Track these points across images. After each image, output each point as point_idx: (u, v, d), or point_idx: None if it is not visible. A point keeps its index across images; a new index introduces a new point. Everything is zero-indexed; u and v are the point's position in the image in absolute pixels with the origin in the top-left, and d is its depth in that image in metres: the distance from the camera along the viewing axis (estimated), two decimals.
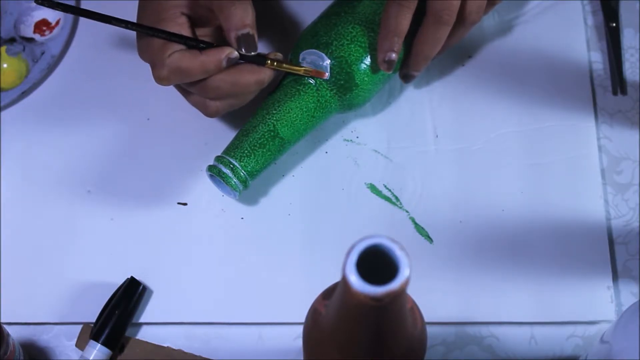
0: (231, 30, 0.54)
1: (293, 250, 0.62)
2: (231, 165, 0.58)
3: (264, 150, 0.58)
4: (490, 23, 0.69)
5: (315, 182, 0.64)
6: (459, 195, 0.63)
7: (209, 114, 0.58)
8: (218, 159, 0.59)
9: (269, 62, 0.57)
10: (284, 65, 0.58)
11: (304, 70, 0.59)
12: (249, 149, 0.58)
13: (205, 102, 0.57)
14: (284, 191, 0.64)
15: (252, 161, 0.58)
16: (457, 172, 0.64)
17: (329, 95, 0.60)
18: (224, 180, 0.58)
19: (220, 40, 0.57)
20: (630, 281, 0.61)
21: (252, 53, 0.55)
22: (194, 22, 0.57)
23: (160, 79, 0.55)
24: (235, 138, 0.59)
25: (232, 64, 0.55)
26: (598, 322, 0.60)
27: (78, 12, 0.55)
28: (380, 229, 0.62)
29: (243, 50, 0.55)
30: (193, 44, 0.55)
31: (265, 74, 0.56)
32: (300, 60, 0.60)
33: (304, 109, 0.59)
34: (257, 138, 0.58)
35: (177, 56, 0.54)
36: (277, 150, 0.59)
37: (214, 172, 0.58)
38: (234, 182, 0.58)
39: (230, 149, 0.59)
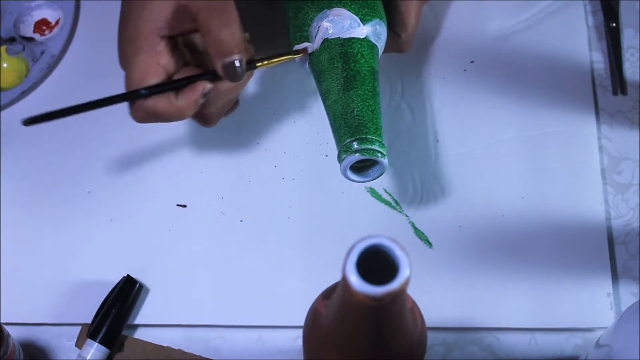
0: (217, 57, 0.52)
1: (292, 254, 0.62)
2: (372, 139, 0.54)
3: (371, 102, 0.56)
4: (492, 29, 0.69)
5: (315, 185, 0.64)
6: (459, 200, 0.63)
7: (208, 124, 0.57)
8: (361, 141, 0.53)
9: (258, 64, 0.55)
10: (274, 59, 0.57)
11: (294, 52, 0.58)
12: (369, 114, 0.55)
13: (202, 115, 0.56)
14: (283, 194, 0.63)
15: (377, 119, 0.55)
16: (457, 177, 0.64)
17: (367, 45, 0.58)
18: (379, 156, 0.53)
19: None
20: (630, 281, 0.61)
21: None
22: (180, 34, 0.54)
23: (136, 120, 0.54)
24: (340, 124, 0.55)
25: (209, 95, 0.53)
26: (597, 329, 0.60)
27: (61, 114, 0.52)
28: (380, 232, 0.61)
29: (230, 78, 0.52)
30: (165, 88, 0.52)
31: (252, 71, 0.55)
32: (313, 28, 0.58)
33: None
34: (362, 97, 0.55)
35: (153, 101, 0.52)
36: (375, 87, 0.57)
37: (370, 154, 0.53)
38: (384, 152, 0.54)
39: (355, 131, 0.54)
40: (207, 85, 0.52)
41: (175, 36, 0.54)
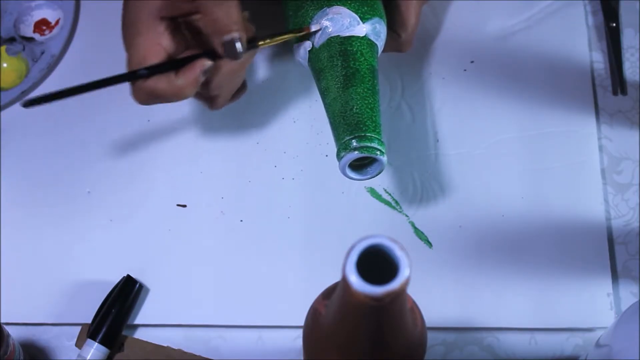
0: (215, 35, 0.52)
1: (292, 254, 0.62)
2: (371, 137, 0.54)
3: (371, 100, 0.56)
4: (492, 28, 0.69)
5: (315, 185, 0.64)
6: (459, 200, 0.63)
7: (215, 107, 0.57)
8: (360, 139, 0.53)
9: (260, 42, 0.54)
10: (277, 38, 0.56)
11: (296, 31, 0.57)
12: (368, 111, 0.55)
13: (208, 97, 0.56)
14: (283, 194, 0.63)
15: (377, 117, 0.55)
16: (457, 177, 0.64)
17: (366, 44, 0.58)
18: (378, 154, 0.53)
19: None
20: (630, 281, 0.61)
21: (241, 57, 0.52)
22: (181, 16, 0.54)
23: (137, 102, 0.53)
24: (339, 122, 0.55)
25: (209, 73, 0.52)
26: (597, 329, 0.60)
27: (61, 95, 0.52)
28: (380, 232, 0.61)
29: (230, 56, 0.52)
30: (164, 68, 0.52)
31: (254, 50, 0.54)
32: (314, 22, 0.58)
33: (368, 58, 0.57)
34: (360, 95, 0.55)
35: (153, 81, 0.52)
36: (374, 86, 0.56)
37: (369, 152, 0.53)
38: (383, 150, 0.54)
39: (354, 129, 0.54)
40: (205, 63, 0.52)
41: (176, 18, 0.53)
